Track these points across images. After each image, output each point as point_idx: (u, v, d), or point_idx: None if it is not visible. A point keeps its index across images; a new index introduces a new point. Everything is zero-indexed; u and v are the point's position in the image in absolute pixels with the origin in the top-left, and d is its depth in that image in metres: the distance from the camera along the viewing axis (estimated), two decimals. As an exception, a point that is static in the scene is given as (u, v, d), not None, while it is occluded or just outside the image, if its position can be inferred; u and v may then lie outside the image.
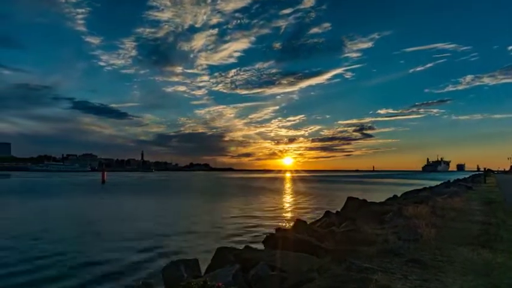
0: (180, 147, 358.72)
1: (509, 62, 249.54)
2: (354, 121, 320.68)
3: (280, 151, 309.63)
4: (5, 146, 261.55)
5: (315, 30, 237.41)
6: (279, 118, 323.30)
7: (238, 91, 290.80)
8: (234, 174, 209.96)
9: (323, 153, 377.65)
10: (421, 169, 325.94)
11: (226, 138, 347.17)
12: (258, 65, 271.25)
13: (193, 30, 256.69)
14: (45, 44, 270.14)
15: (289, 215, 26.41)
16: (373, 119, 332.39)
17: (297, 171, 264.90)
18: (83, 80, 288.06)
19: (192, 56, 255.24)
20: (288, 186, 73.48)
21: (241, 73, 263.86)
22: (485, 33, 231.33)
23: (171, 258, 10.09)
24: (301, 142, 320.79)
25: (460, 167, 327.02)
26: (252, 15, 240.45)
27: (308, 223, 12.99)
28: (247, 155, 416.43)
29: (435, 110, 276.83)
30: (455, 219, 11.97)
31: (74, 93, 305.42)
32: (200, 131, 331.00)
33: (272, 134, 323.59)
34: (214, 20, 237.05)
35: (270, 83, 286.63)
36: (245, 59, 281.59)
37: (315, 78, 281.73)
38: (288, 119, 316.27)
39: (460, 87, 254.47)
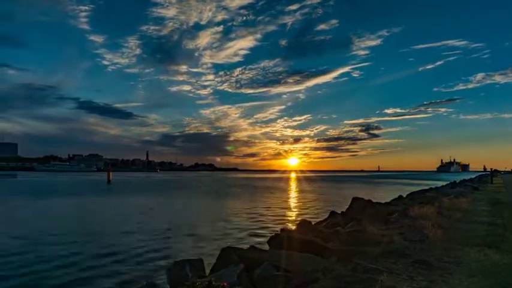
0: (184, 147, 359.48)
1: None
2: (361, 121, 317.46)
3: (285, 151, 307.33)
4: (12, 146, 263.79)
5: (322, 27, 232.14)
6: (285, 118, 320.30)
7: (243, 90, 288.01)
8: (239, 174, 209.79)
9: (328, 154, 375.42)
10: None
11: (231, 138, 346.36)
12: (264, 63, 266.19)
13: (198, 27, 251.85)
14: (49, 42, 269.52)
15: (294, 215, 26.36)
16: (379, 119, 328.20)
17: (302, 171, 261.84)
18: (86, 80, 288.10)
19: (197, 54, 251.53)
20: (293, 186, 73.38)
21: (247, 72, 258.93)
22: (498, 30, 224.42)
23: (176, 258, 10.11)
24: (306, 142, 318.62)
25: (464, 167, 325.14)
26: (257, 12, 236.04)
27: (313, 223, 12.96)
28: (252, 155, 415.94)
29: (443, 110, 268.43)
30: (462, 220, 11.88)
31: (78, 93, 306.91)
32: (205, 131, 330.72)
33: (277, 134, 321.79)
34: (220, 17, 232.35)
35: (276, 82, 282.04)
36: (250, 57, 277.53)
37: (322, 76, 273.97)
38: (293, 118, 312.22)
39: (470, 86, 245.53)
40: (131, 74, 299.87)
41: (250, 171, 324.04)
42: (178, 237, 17.11)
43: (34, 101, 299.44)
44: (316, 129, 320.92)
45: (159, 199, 39.91)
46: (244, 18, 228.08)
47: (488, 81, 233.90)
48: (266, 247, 9.30)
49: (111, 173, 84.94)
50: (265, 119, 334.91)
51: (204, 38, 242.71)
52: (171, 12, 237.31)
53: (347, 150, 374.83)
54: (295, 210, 29.97)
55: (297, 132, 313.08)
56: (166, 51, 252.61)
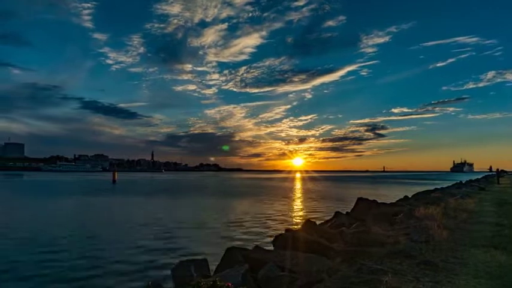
0: (189, 148, 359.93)
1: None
2: (367, 120, 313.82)
3: (290, 151, 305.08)
4: (19, 146, 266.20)
5: (329, 23, 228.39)
6: (291, 118, 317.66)
7: (249, 90, 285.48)
8: (244, 174, 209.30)
9: (333, 154, 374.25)
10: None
11: (236, 139, 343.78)
12: (269, 62, 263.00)
13: (203, 24, 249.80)
14: (52, 41, 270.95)
15: (298, 215, 26.33)
16: (386, 118, 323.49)
17: (306, 171, 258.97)
18: (90, 79, 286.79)
19: (201, 52, 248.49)
20: (297, 186, 73.29)
21: (252, 70, 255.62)
22: (511, 26, 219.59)
23: (181, 258, 10.15)
24: (311, 142, 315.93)
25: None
26: (263, 8, 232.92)
27: (318, 223, 12.93)
28: (257, 155, 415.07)
29: (451, 109, 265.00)
30: (468, 221, 11.80)
31: (82, 93, 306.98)
32: (210, 131, 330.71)
33: (283, 134, 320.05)
34: (225, 14, 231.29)
35: (282, 80, 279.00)
36: (256, 55, 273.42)
37: (328, 75, 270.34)
38: (299, 118, 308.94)
39: (480, 85, 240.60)
40: (135, 73, 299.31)
41: (255, 171, 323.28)
42: (183, 237, 17.15)
43: (38, 101, 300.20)
44: (321, 129, 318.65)
45: (163, 199, 40.04)
46: (250, 14, 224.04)
47: (499, 80, 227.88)
48: (271, 247, 9.29)
49: (116, 173, 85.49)
50: (270, 119, 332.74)
51: (209, 36, 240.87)
52: (175, 9, 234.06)
53: (352, 151, 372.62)
54: (299, 210, 29.92)
55: (302, 132, 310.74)
56: (170, 49, 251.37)
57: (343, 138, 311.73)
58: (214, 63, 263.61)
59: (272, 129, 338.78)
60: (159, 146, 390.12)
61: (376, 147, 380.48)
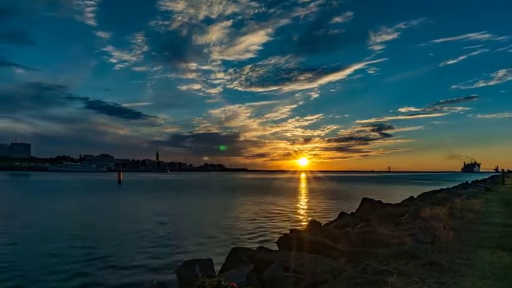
0: (194, 148, 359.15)
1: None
2: (373, 120, 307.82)
3: (295, 151, 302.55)
4: (25, 146, 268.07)
5: (336, 19, 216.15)
6: (296, 117, 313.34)
7: (254, 89, 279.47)
8: (248, 175, 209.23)
9: (338, 154, 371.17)
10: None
11: (241, 139, 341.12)
12: (275, 60, 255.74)
13: (208, 21, 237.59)
14: (56, 39, 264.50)
15: (303, 215, 26.28)
16: (393, 118, 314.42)
17: (311, 171, 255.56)
18: (94, 78, 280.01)
19: (206, 50, 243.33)
20: (302, 186, 73.16)
21: (257, 69, 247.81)
22: None
23: (186, 258, 10.16)
24: (316, 142, 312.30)
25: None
26: (269, 4, 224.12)
27: (322, 224, 12.90)
28: (262, 155, 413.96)
29: (460, 108, 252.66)
30: (474, 222, 11.71)
31: (86, 92, 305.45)
32: (214, 131, 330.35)
33: (288, 134, 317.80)
34: (230, 10, 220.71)
35: (287, 79, 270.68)
36: (262, 53, 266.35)
37: (335, 74, 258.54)
38: (305, 118, 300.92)
39: (491, 83, 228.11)
40: (139, 73, 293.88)
41: (260, 171, 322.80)
42: (188, 237, 17.19)
43: (43, 101, 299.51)
44: (327, 128, 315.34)
45: (168, 199, 40.16)
46: (256, 11, 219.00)
47: (510, 78, 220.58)
48: (275, 247, 9.28)
49: (121, 173, 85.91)
50: (276, 119, 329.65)
51: (214, 33, 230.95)
52: (179, 5, 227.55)
53: (358, 151, 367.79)
54: (304, 210, 29.87)
55: (307, 132, 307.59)
56: (175, 47, 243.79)
57: (349, 138, 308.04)
58: (219, 62, 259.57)
59: (277, 129, 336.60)
60: (163, 146, 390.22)
61: (382, 148, 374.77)
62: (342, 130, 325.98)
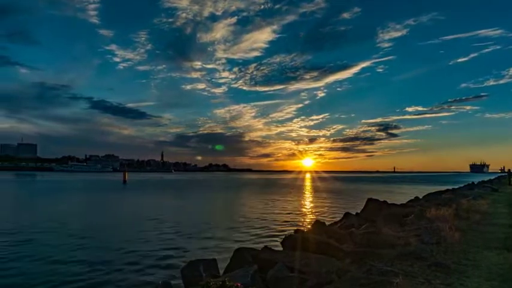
0: (199, 148, 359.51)
1: None
2: (379, 120, 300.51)
3: (300, 151, 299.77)
4: (31, 147, 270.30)
5: (344, 16, 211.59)
6: (302, 117, 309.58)
7: (259, 88, 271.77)
8: (253, 175, 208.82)
9: (343, 154, 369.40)
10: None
11: (246, 139, 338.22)
12: (280, 58, 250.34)
13: (213, 18, 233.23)
14: (59, 38, 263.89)
15: (308, 215, 26.23)
16: (399, 117, 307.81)
17: (316, 172, 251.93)
18: (98, 78, 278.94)
19: (211, 49, 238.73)
20: (307, 187, 73.03)
21: (262, 67, 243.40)
22: None
23: (190, 258, 10.18)
24: (321, 142, 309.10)
25: (478, 168, 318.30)
26: (276, 0, 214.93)
27: (327, 224, 12.86)
28: (267, 155, 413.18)
29: (468, 107, 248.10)
30: (480, 222, 11.62)
31: (90, 92, 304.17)
32: (219, 131, 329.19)
33: (293, 134, 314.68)
34: (235, 6, 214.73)
35: (293, 78, 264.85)
36: (267, 51, 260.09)
37: (342, 72, 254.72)
38: (311, 118, 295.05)
39: (501, 81, 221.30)
40: (143, 72, 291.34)
41: (264, 172, 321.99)
42: (192, 237, 17.23)
43: (47, 101, 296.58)
44: (333, 128, 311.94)
45: (173, 199, 40.30)
46: (262, 7, 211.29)
47: None
48: (280, 248, 9.27)
49: (126, 173, 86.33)
50: (281, 119, 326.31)
51: (219, 31, 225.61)
52: (183, 2, 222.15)
53: (363, 151, 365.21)
54: (309, 210, 29.82)
55: (313, 132, 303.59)
56: (179, 46, 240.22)
57: (354, 138, 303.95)
58: (223, 60, 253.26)
59: (282, 129, 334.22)
60: (168, 147, 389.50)
61: (388, 148, 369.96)
62: (348, 130, 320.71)
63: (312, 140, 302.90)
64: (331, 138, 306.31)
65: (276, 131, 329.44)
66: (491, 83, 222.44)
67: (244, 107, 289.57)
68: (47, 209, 28.93)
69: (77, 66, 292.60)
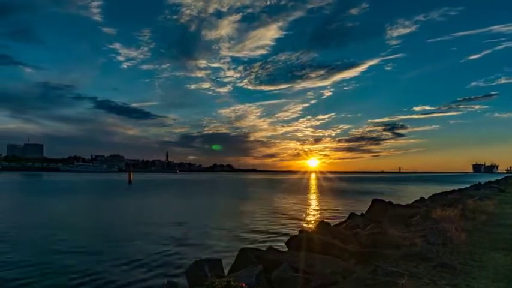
0: (203, 148, 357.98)
1: None
2: (386, 119, 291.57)
3: (305, 152, 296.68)
4: (38, 147, 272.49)
5: (351, 11, 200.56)
6: (308, 117, 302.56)
7: (264, 87, 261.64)
8: (258, 175, 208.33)
9: (348, 154, 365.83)
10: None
11: (251, 139, 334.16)
12: (286, 56, 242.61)
13: (218, 15, 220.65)
14: (62, 36, 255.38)
15: (312, 216, 26.18)
16: (406, 117, 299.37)
17: (321, 172, 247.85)
18: (102, 77, 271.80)
19: (216, 47, 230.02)
20: (312, 187, 72.86)
21: (268, 66, 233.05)
22: None
23: (195, 258, 10.20)
24: (327, 142, 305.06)
25: (488, 169, 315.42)
26: None
27: (332, 225, 12.83)
28: (271, 155, 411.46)
29: (477, 107, 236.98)
30: (487, 223, 11.53)
31: (94, 92, 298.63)
32: (224, 131, 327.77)
33: (299, 134, 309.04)
34: (240, 3, 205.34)
35: (299, 77, 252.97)
36: (272, 49, 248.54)
37: (348, 70, 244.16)
38: (317, 117, 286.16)
39: None
40: (147, 71, 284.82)
41: (269, 172, 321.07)
42: (197, 237, 17.26)
43: (51, 101, 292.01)
44: (339, 128, 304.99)
45: (179, 199, 40.40)
46: (268, 2, 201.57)
47: None
48: (284, 248, 9.27)
49: (132, 173, 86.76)
50: (286, 118, 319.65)
51: (224, 28, 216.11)
52: None
53: (368, 151, 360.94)
54: (314, 211, 29.76)
55: (318, 132, 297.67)
56: (183, 44, 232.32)
57: (360, 138, 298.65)
58: (228, 59, 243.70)
59: (288, 129, 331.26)
60: (173, 147, 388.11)
61: (394, 148, 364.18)
62: (354, 130, 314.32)
63: (317, 140, 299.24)
64: (337, 138, 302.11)
65: (282, 131, 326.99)
66: (503, 81, 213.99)
67: (249, 106, 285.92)
68: (58, 209, 29.18)
69: (81, 65, 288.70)
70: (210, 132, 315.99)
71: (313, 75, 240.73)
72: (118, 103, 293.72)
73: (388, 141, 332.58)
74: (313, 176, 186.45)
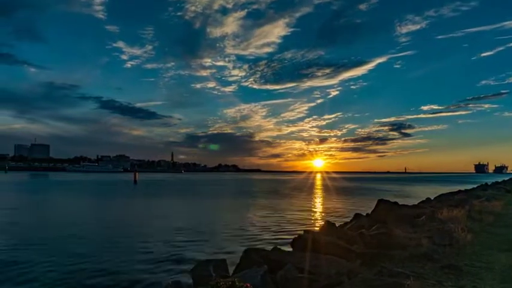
0: (208, 149, 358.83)
1: None
2: (393, 119, 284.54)
3: (310, 152, 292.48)
4: (44, 147, 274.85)
5: (360, 7, 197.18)
6: (314, 117, 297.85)
7: (269, 86, 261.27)
8: (263, 175, 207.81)
9: (354, 154, 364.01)
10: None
11: (256, 139, 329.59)
12: (292, 54, 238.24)
13: (223, 11, 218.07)
14: (66, 35, 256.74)
15: (318, 216, 26.13)
16: (414, 117, 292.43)
17: (327, 172, 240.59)
18: (106, 77, 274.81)
19: (221, 45, 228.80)
20: (317, 187, 72.70)
21: (273, 64, 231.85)
22: None
23: (200, 258, 10.23)
24: (332, 142, 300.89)
25: (498, 169, 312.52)
26: None
27: (337, 225, 12.79)
28: (276, 156, 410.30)
29: (486, 106, 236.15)
30: (494, 224, 11.43)
31: (98, 91, 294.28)
32: (229, 131, 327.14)
33: (304, 134, 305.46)
34: None
35: (305, 76, 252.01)
36: (278, 47, 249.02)
37: (356, 69, 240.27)
38: (323, 117, 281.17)
39: None
40: (151, 70, 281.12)
41: (274, 172, 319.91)
42: (202, 237, 17.29)
43: (56, 101, 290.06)
44: (345, 128, 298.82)
45: (184, 200, 40.51)
46: None
47: None
48: (289, 248, 9.26)
49: (137, 173, 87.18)
50: (292, 118, 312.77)
51: (229, 25, 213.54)
52: None
53: (374, 151, 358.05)
54: (319, 211, 29.69)
55: (324, 132, 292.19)
56: (187, 42, 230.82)
57: (366, 138, 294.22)
58: (233, 57, 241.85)
59: (293, 129, 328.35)
60: (178, 147, 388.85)
61: (400, 148, 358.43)
62: (360, 130, 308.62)
63: (323, 140, 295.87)
64: (343, 138, 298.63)
65: (287, 131, 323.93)
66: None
67: (254, 106, 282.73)
68: (67, 208, 29.41)
69: (85, 64, 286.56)
70: (215, 132, 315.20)
71: (319, 73, 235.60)
72: (123, 103, 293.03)
73: (394, 141, 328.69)
74: (318, 176, 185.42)
